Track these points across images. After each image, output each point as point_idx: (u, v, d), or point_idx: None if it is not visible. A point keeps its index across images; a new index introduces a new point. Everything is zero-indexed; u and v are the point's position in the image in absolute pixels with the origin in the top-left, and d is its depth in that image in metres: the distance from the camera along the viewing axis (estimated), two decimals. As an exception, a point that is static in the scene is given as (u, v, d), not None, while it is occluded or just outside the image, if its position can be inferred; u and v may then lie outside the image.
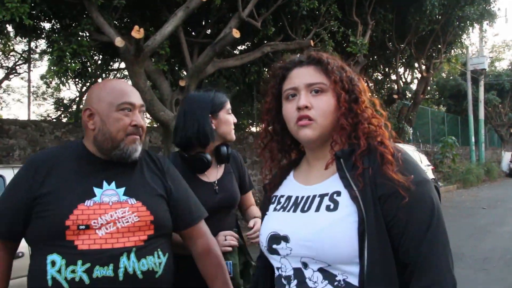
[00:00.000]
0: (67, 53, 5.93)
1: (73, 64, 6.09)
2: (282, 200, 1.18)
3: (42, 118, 16.65)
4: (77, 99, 16.37)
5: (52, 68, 6.15)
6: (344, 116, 1.09)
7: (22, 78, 20.88)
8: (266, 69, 9.95)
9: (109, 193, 1.37)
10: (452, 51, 15.57)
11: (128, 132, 1.40)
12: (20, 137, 6.96)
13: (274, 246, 1.11)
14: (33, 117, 17.88)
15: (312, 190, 1.12)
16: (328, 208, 1.04)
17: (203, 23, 8.56)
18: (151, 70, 6.93)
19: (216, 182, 1.92)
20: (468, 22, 12.72)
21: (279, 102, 1.18)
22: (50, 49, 6.48)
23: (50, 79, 16.62)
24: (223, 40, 6.56)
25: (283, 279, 1.11)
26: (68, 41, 6.09)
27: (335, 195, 1.06)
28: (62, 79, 7.60)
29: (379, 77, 16.07)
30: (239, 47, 10.22)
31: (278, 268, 1.13)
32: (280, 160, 1.24)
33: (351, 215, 1.00)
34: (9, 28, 6.36)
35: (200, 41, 8.00)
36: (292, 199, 1.15)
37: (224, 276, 1.53)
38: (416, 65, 15.00)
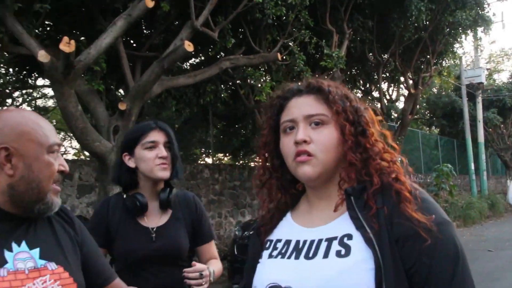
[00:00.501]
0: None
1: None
2: (279, 245, 1.25)
3: None
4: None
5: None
6: (351, 150, 1.19)
7: None
8: (224, 88, 10.11)
9: (22, 256, 1.33)
10: (443, 62, 16.29)
11: (54, 179, 1.41)
12: None
13: None
14: None
15: (316, 233, 1.20)
16: (338, 254, 1.11)
17: (148, 32, 8.65)
18: (83, 90, 6.89)
19: (154, 229, 2.12)
20: (460, 29, 13.38)
21: (278, 135, 1.29)
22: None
23: None
24: (172, 54, 6.62)
25: None
26: (-26, 54, 6.08)
27: (345, 238, 1.13)
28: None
29: (359, 95, 16.60)
30: (191, 60, 10.39)
31: None
32: (279, 199, 1.34)
33: (365, 261, 1.08)
34: None
35: (144, 55, 8.08)
36: (292, 244, 1.22)
37: None
38: (402, 79, 15.62)
